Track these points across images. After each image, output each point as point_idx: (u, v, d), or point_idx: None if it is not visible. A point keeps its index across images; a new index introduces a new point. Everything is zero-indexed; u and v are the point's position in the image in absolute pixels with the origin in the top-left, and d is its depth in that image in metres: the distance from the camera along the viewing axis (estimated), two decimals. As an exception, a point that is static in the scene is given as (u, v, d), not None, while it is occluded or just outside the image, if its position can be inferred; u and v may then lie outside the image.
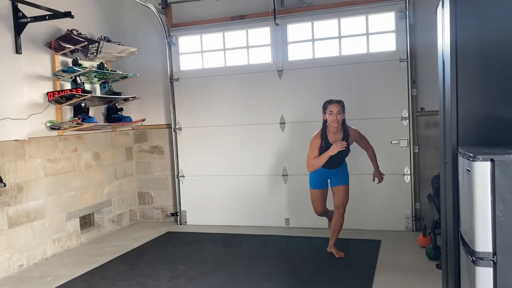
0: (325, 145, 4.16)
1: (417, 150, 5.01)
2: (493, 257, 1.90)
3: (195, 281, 3.80)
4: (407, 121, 4.96)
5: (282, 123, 5.40)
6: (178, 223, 5.86)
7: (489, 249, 1.90)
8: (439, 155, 2.83)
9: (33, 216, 4.49)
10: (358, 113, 5.09)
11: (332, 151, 4.07)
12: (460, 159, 2.19)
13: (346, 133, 4.22)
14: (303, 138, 5.31)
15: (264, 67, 5.39)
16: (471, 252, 1.99)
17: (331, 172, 4.29)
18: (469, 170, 1.98)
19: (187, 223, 5.84)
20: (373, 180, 4.50)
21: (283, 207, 5.47)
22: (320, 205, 4.39)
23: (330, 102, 4.17)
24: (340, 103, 4.14)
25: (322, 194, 4.37)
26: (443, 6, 2.51)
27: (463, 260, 2.22)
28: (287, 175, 5.43)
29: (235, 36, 5.59)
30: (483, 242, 1.92)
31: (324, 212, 4.47)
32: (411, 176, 4.99)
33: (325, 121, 4.19)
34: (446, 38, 2.43)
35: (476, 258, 1.93)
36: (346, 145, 4.08)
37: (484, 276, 1.92)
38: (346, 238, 4.82)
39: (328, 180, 4.37)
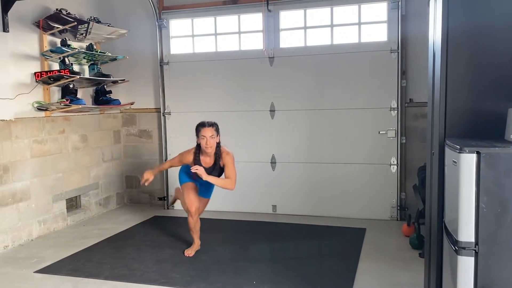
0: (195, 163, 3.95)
1: (404, 141, 5.07)
2: (475, 247, 1.94)
3: (181, 265, 3.82)
4: (396, 111, 5.00)
5: (272, 110, 5.40)
6: (166, 208, 5.87)
7: (472, 239, 1.95)
8: (426, 146, 2.87)
9: (19, 197, 4.46)
10: (347, 102, 5.12)
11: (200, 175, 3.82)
12: (447, 150, 2.22)
13: (218, 157, 3.97)
14: (292, 126, 5.34)
15: (256, 54, 5.37)
16: (454, 242, 2.03)
17: (198, 181, 4.14)
18: (455, 162, 2.02)
19: (174, 208, 5.85)
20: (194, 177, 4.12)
21: (270, 194, 5.51)
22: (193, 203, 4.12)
23: (202, 125, 3.93)
24: (214, 126, 3.92)
25: (193, 186, 4.16)
26: (435, -2, 2.52)
27: (446, 249, 2.27)
28: (275, 162, 5.45)
29: (227, 21, 5.54)
30: (466, 232, 1.96)
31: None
32: (397, 166, 5.05)
33: (198, 144, 3.97)
34: (437, 30, 2.44)
35: (459, 248, 1.98)
36: (202, 173, 3.78)
37: (466, 265, 1.96)
38: (332, 225, 4.90)
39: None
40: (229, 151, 4.04)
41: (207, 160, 4.01)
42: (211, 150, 3.93)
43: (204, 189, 4.22)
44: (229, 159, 4.00)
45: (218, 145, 3.99)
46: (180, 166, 4.25)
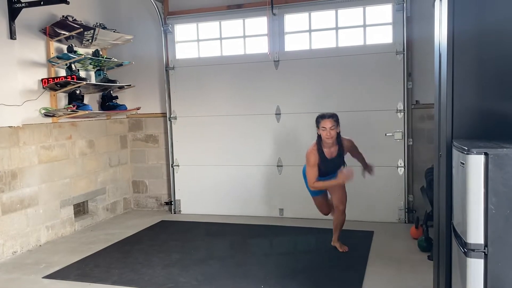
0: (321, 160, 4.03)
1: (411, 143, 5.04)
2: (484, 248, 1.92)
3: (189, 269, 3.82)
4: (402, 113, 4.98)
5: (278, 114, 5.40)
6: (172, 212, 5.88)
7: (481, 241, 1.93)
8: (433, 148, 2.85)
9: (27, 203, 4.49)
10: (353, 105, 5.11)
11: (338, 180, 4.01)
12: (455, 152, 2.21)
13: (341, 145, 4.10)
14: (298, 129, 5.34)
15: (261, 57, 5.38)
16: (463, 244, 2.02)
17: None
18: (463, 163, 2.00)
19: (181, 212, 5.86)
20: (364, 177, 4.47)
21: (277, 198, 5.50)
22: (325, 208, 4.42)
23: (322, 117, 4.03)
24: (333, 117, 4.01)
25: (324, 197, 4.36)
26: (441, -1, 2.51)
27: (455, 251, 2.25)
28: (281, 165, 5.44)
29: (232, 25, 5.56)
30: (475, 234, 1.94)
31: (331, 211, 4.46)
32: (404, 168, 5.03)
33: (319, 135, 4.05)
34: (443, 31, 2.43)
35: (468, 250, 1.96)
36: (352, 176, 3.98)
37: (475, 267, 1.95)
38: (339, 229, 4.87)
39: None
40: (349, 138, 4.19)
41: (332, 150, 4.07)
42: (332, 140, 4.00)
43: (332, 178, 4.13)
44: (351, 143, 4.18)
45: (339, 135, 4.08)
46: (304, 172, 4.26)
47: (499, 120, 2.23)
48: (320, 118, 4.04)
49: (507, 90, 2.24)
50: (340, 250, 4.17)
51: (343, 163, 4.18)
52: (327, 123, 3.98)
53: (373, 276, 3.58)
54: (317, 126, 4.06)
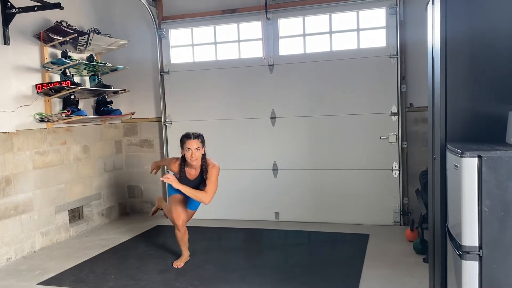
0: (180, 177, 3.93)
1: (405, 146, 5.07)
2: (479, 251, 1.94)
3: (185, 275, 3.81)
4: (396, 116, 5.00)
5: (273, 117, 5.41)
6: (166, 217, 5.84)
7: (475, 243, 1.94)
8: (428, 151, 2.87)
9: (21, 209, 4.46)
10: (348, 108, 5.13)
11: (178, 186, 3.81)
12: (449, 155, 2.23)
13: (205, 169, 3.92)
14: (293, 133, 5.35)
15: (255, 62, 5.39)
16: (458, 246, 2.03)
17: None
18: (457, 166, 2.02)
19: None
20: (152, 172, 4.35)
21: (273, 201, 5.50)
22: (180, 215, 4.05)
23: (188, 137, 3.85)
24: (199, 138, 3.87)
25: (181, 198, 4.09)
26: (433, 3, 2.54)
27: (450, 254, 2.26)
28: (277, 169, 5.45)
29: (226, 30, 5.57)
30: (470, 237, 1.96)
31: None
32: (399, 171, 5.04)
33: (183, 156, 3.91)
34: (436, 35, 2.45)
35: (463, 252, 1.97)
36: (171, 179, 3.78)
37: (470, 270, 1.96)
38: (335, 232, 4.88)
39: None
40: (215, 164, 3.97)
41: (192, 172, 3.96)
42: (196, 162, 3.87)
43: (193, 202, 4.09)
44: (214, 171, 3.92)
45: (204, 157, 3.93)
46: None
47: (493, 122, 2.25)
48: (186, 138, 3.86)
49: (499, 93, 2.26)
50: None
51: (202, 183, 3.97)
52: (193, 144, 3.81)
53: (369, 279, 3.59)
54: (182, 147, 3.88)
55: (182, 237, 4.06)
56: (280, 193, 5.43)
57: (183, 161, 3.97)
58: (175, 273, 3.86)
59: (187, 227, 4.10)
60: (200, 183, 3.98)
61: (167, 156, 5.80)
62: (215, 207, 5.67)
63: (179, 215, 4.00)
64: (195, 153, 3.83)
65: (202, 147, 3.91)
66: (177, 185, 3.82)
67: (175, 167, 4.01)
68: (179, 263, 4.03)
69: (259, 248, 4.54)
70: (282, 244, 4.64)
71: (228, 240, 4.81)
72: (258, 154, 5.50)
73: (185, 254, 4.11)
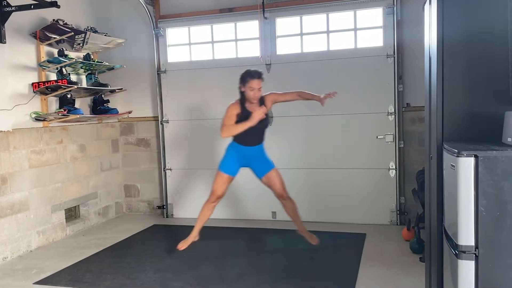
0: (243, 115, 3.84)
1: (402, 145, 5.08)
2: (475, 250, 1.94)
3: (181, 274, 3.80)
4: (393, 116, 5.01)
5: (270, 117, 5.39)
6: (165, 216, 5.85)
7: (472, 242, 1.95)
8: (424, 150, 2.87)
9: (18, 208, 4.44)
10: (345, 108, 5.13)
11: (253, 120, 3.73)
12: (445, 154, 2.23)
13: (262, 101, 3.94)
14: (290, 132, 5.35)
15: (253, 61, 5.37)
16: (454, 246, 2.03)
17: (249, 154, 4.01)
18: (453, 166, 2.02)
19: (174, 216, 5.83)
20: (322, 104, 4.09)
21: (269, 201, 5.45)
22: (223, 190, 4.06)
23: (251, 76, 3.79)
24: (261, 77, 3.81)
25: (229, 180, 4.06)
26: (430, 3, 2.54)
27: (446, 253, 2.27)
28: (274, 168, 5.44)
29: (224, 29, 5.56)
30: (466, 236, 1.96)
31: (221, 197, 4.11)
32: (396, 170, 5.05)
33: (242, 92, 3.88)
34: (433, 35, 2.46)
35: (459, 252, 1.98)
36: (266, 111, 3.83)
37: (466, 269, 1.96)
38: (332, 231, 4.89)
39: (249, 169, 4.06)
40: (267, 93, 4.02)
41: (253, 107, 3.89)
42: (256, 101, 3.88)
43: (260, 165, 4.00)
44: (273, 93, 4.01)
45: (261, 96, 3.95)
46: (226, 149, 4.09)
47: (489, 122, 2.26)
48: (249, 77, 3.79)
49: (496, 92, 2.27)
50: (311, 241, 4.00)
51: (267, 122, 4.03)
52: (256, 84, 3.79)
53: (365, 278, 3.60)
54: (243, 84, 3.84)
55: (206, 212, 4.03)
56: (277, 193, 5.42)
57: (242, 99, 3.92)
58: (172, 272, 3.85)
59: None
60: (266, 120, 3.97)
61: (163, 155, 5.79)
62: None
63: (219, 189, 4.01)
64: (257, 93, 3.82)
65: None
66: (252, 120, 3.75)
67: (236, 107, 3.90)
68: (182, 245, 4.01)
69: (256, 247, 4.53)
70: (279, 244, 4.64)
71: (225, 240, 4.81)
72: (255, 154, 5.48)
73: (194, 234, 4.07)
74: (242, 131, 3.81)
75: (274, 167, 4.08)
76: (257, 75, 3.82)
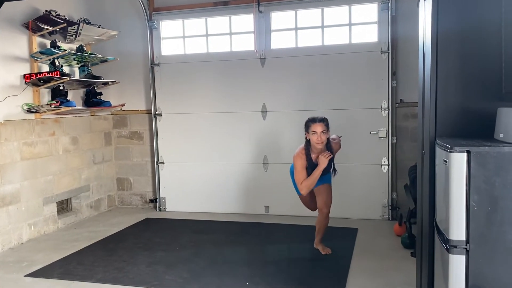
0: (309, 166, 3.93)
1: (395, 141, 5.10)
2: (466, 245, 1.96)
3: (174, 267, 3.81)
4: (386, 112, 5.02)
5: (264, 111, 5.40)
6: (157, 210, 5.84)
7: (463, 237, 1.97)
8: (417, 146, 2.89)
9: (9, 200, 4.41)
10: (339, 103, 5.14)
11: (323, 164, 3.84)
12: (438, 150, 2.24)
13: (330, 149, 3.99)
14: (284, 127, 5.35)
15: (247, 55, 5.37)
16: (445, 240, 2.05)
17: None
18: (446, 161, 2.04)
19: (166, 210, 5.83)
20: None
21: (263, 195, 5.51)
22: (312, 204, 4.29)
23: (313, 121, 3.87)
24: (324, 121, 3.87)
25: (310, 195, 4.22)
26: (425, -1, 2.54)
27: (437, 248, 2.29)
28: (267, 163, 5.45)
29: (218, 22, 5.53)
30: (457, 231, 1.98)
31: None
32: (388, 166, 5.08)
33: (308, 140, 3.92)
34: (427, 31, 2.46)
35: (450, 246, 1.99)
36: (331, 155, 3.93)
37: (457, 264, 1.98)
38: (324, 226, 4.90)
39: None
40: (337, 141, 4.13)
41: (315, 157, 3.93)
42: (322, 146, 3.87)
43: (319, 179, 4.02)
44: (338, 144, 4.11)
45: (328, 140, 3.94)
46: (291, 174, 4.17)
47: (482, 118, 2.27)
48: (311, 122, 3.88)
49: (489, 89, 2.28)
50: (323, 252, 4.08)
51: (333, 170, 4.13)
52: (318, 127, 3.83)
53: (357, 272, 3.62)
54: (307, 131, 3.91)
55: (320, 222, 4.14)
56: (270, 187, 5.44)
57: (308, 146, 3.93)
58: (164, 265, 3.85)
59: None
60: (329, 165, 3.98)
61: (157, 149, 5.77)
62: (205, 200, 5.69)
63: (309, 206, 4.35)
64: (321, 136, 3.83)
65: (327, 131, 3.90)
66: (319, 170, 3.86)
67: (301, 158, 3.91)
68: (326, 250, 4.08)
69: (249, 241, 4.54)
70: (272, 238, 4.66)
71: (217, 233, 4.81)
72: (249, 148, 5.49)
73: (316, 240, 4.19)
74: (318, 177, 3.90)
75: (328, 183, 4.14)
76: (319, 119, 3.88)
